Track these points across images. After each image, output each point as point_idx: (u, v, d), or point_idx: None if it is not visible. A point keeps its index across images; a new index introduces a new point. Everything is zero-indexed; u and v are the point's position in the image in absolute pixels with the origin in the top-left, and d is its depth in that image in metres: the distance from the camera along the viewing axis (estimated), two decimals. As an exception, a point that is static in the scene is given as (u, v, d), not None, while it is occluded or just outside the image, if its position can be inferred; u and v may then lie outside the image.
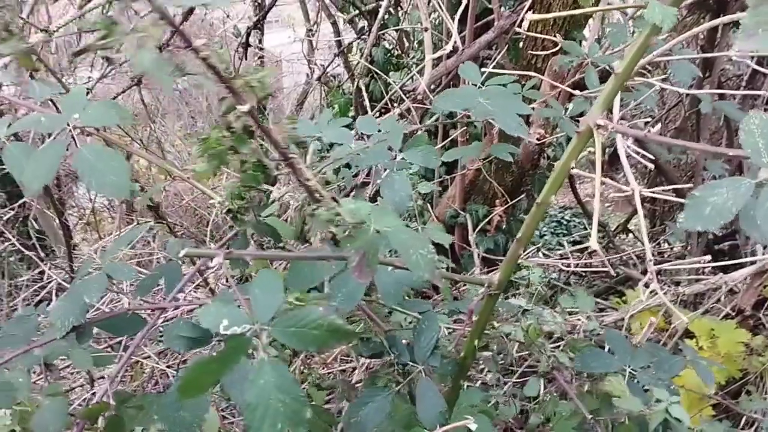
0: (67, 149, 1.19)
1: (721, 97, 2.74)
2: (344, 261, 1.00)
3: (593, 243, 1.02)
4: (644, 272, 3.17)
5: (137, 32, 0.63)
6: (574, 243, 4.16)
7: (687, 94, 3.48)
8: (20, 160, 1.21)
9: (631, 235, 4.33)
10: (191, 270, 1.16)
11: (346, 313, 1.11)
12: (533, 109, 1.94)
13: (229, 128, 0.80)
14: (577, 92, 1.99)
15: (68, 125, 1.19)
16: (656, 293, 1.98)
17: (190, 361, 0.85)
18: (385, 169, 1.43)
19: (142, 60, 0.63)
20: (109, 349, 2.48)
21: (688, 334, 2.35)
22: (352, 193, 1.47)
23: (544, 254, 3.64)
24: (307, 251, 1.11)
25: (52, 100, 1.72)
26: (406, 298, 1.44)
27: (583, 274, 3.86)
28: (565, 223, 4.74)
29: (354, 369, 2.76)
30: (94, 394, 2.35)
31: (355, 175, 1.53)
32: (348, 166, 1.48)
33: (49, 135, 1.20)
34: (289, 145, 0.82)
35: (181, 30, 0.62)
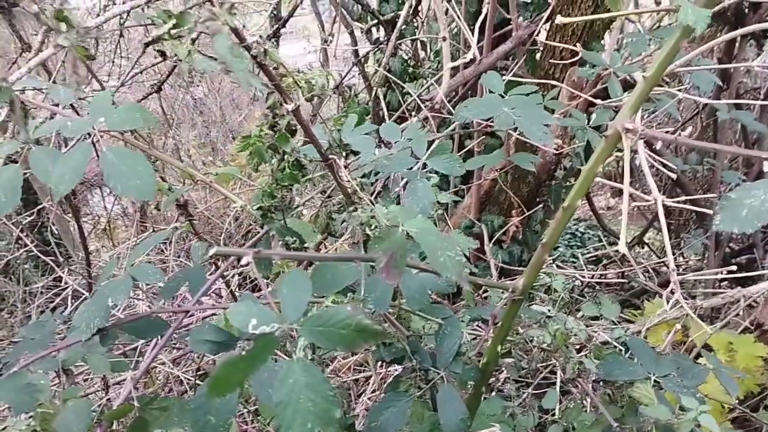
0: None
1: (739, 108, 2.73)
2: (371, 263, 1.00)
3: (622, 246, 1.01)
4: (661, 284, 3.16)
5: (209, 20, 0.63)
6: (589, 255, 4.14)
7: (704, 107, 3.48)
8: (46, 163, 1.22)
9: (646, 248, 4.30)
10: (215, 273, 1.16)
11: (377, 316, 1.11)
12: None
13: (272, 127, 0.81)
14: (598, 101, 1.99)
15: (94, 129, 1.20)
16: (677, 304, 1.97)
17: (220, 360, 0.85)
18: (404, 178, 1.43)
19: (219, 49, 0.63)
20: (123, 356, 2.48)
21: (705, 348, 2.33)
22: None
23: (558, 266, 3.62)
24: (335, 253, 1.11)
25: (72, 105, 1.73)
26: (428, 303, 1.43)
27: (597, 286, 3.84)
28: (579, 235, 4.71)
29: (367, 379, 2.76)
30: (109, 399, 2.35)
31: (373, 183, 1.54)
32: (365, 175, 1.49)
33: (65, 141, 1.21)
34: (332, 146, 0.82)
35: (235, 28, 0.63)
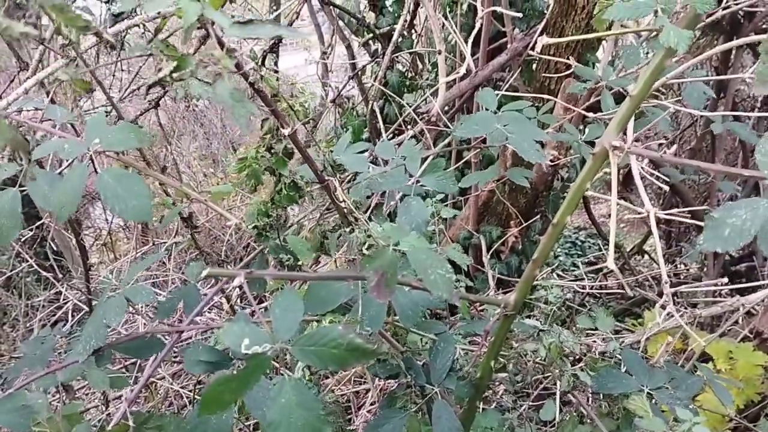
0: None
1: (736, 118, 2.74)
2: (363, 281, 1.01)
3: (610, 263, 1.02)
4: (660, 294, 3.16)
5: (210, 62, 0.64)
6: (589, 264, 4.13)
7: (701, 116, 3.49)
8: (43, 188, 1.23)
9: (647, 256, 4.29)
10: (211, 291, 1.17)
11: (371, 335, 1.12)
12: (548, 133, 1.94)
13: (269, 149, 0.82)
14: (591, 114, 2.00)
15: (89, 150, 1.21)
16: (672, 315, 1.97)
17: (212, 378, 0.86)
18: (400, 192, 1.44)
19: (220, 93, 0.65)
20: (123, 371, 2.49)
21: (705, 356, 2.33)
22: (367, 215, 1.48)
23: (558, 275, 3.62)
24: (327, 272, 1.13)
25: (72, 125, 1.74)
26: (422, 319, 1.44)
27: (599, 295, 3.84)
28: (579, 244, 4.71)
29: (367, 391, 2.76)
30: (109, 415, 2.36)
31: (369, 197, 1.54)
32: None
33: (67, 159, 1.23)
34: (326, 167, 0.84)
35: (234, 56, 0.64)
